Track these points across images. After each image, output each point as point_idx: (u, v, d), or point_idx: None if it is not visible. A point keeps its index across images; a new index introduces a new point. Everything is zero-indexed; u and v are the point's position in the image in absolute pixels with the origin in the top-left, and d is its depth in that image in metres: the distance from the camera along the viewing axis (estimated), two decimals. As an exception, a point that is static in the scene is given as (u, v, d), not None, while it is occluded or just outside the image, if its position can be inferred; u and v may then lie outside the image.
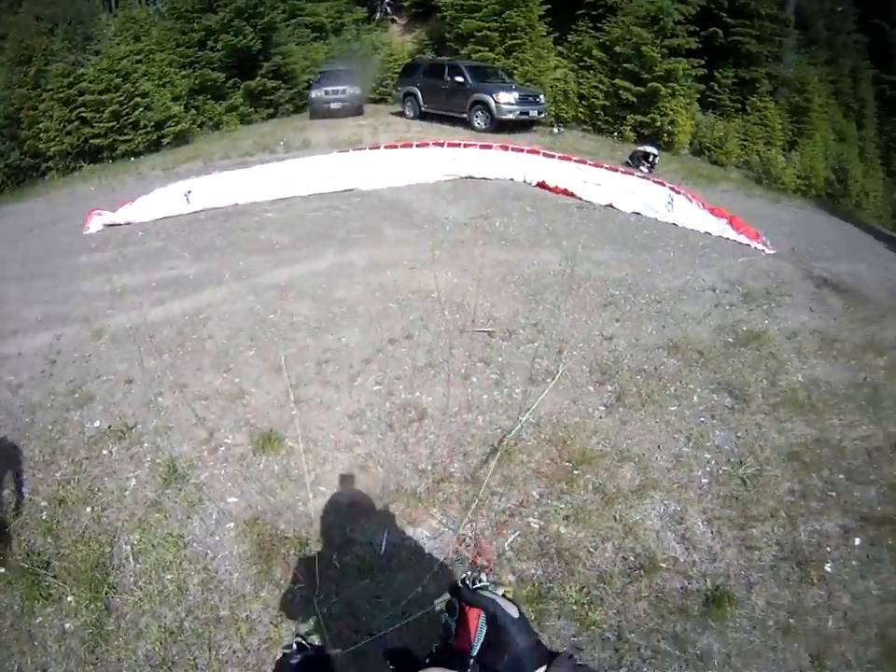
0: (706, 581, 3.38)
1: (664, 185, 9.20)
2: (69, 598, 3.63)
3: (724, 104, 18.20)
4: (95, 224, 9.88)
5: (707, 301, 5.87)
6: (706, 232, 7.91)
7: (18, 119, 18.48)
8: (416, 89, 16.95)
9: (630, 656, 3.05)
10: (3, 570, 3.83)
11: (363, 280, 6.11)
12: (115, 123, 17.67)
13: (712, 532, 3.63)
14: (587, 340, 5.03)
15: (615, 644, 3.09)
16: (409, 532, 3.54)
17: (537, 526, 3.55)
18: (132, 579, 3.65)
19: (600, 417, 4.27)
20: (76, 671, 3.34)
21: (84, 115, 17.71)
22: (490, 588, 1.13)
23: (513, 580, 3.29)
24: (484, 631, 1.09)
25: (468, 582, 1.15)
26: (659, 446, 4.09)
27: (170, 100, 19.06)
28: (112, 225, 9.85)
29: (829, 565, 3.51)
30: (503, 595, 1.10)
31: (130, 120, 17.84)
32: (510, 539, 3.46)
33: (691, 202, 8.61)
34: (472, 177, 9.62)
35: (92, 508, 4.12)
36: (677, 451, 4.08)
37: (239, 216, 9.13)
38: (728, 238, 7.74)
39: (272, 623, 3.27)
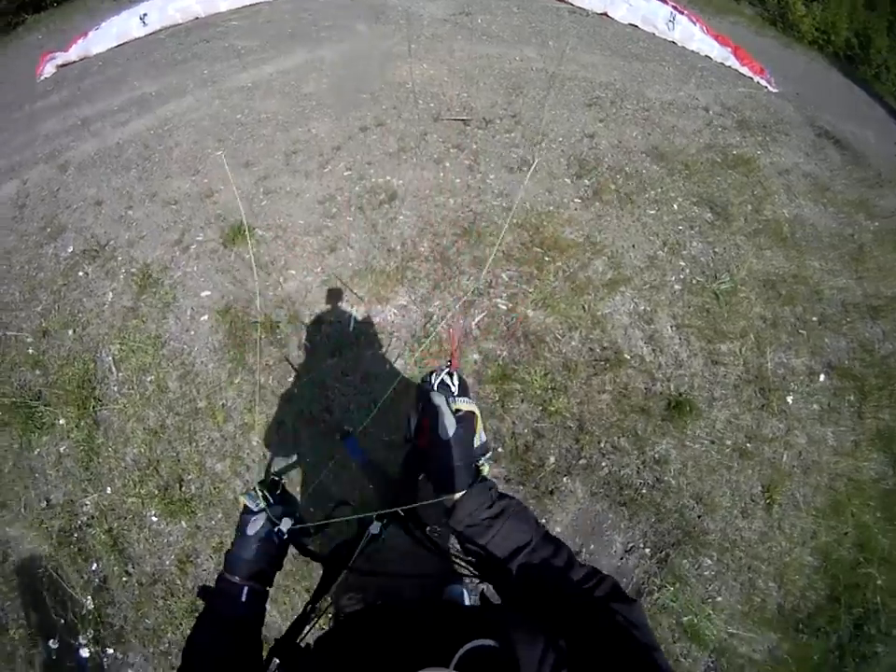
0: (669, 385, 3.44)
1: (666, 2, 8.50)
2: (61, 421, 3.79)
3: None
4: (48, 69, 9.25)
5: (699, 119, 5.58)
6: (706, 56, 7.39)
7: None
8: None
9: (590, 448, 3.16)
10: None
11: (334, 74, 5.83)
12: None
13: (680, 339, 3.65)
14: (567, 136, 4.82)
15: (576, 434, 3.20)
16: (377, 310, 3.56)
17: (504, 308, 3.56)
18: (115, 388, 3.79)
19: (575, 209, 4.17)
20: (74, 491, 3.59)
21: None
22: (451, 398, 1.11)
23: (479, 359, 3.33)
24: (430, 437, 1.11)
25: (431, 381, 1.16)
26: (634, 245, 4.03)
27: None
28: (66, 65, 9.29)
29: (791, 398, 3.56)
30: (455, 412, 1.09)
31: None
32: (477, 319, 3.48)
33: (694, 24, 7.95)
34: None
35: (74, 330, 4.21)
36: (651, 253, 4.02)
37: (200, 28, 8.49)
38: (730, 67, 7.25)
39: (246, 408, 3.40)
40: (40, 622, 3.34)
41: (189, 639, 1.17)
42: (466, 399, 1.14)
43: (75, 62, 9.14)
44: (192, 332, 3.82)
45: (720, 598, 2.90)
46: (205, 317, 3.83)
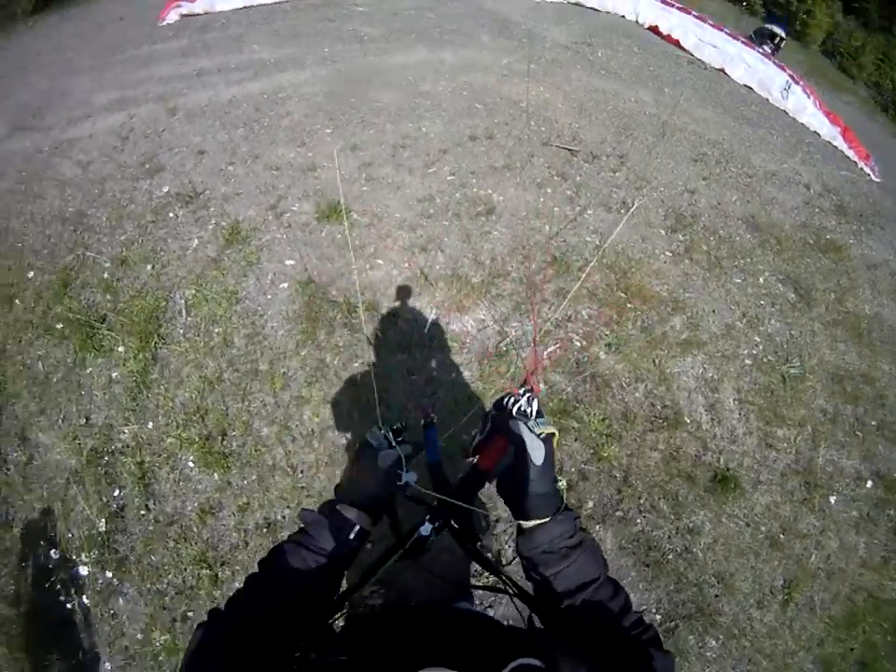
0: (720, 458, 3.41)
1: (784, 70, 8.41)
2: (120, 349, 3.89)
3: (870, 13, 16.09)
4: (172, 15, 9.60)
5: (799, 195, 5.51)
6: (815, 132, 7.28)
7: None
8: None
9: (629, 502, 3.15)
10: (60, 326, 4.11)
11: (452, 78, 5.88)
12: None
13: (740, 414, 3.61)
14: (669, 186, 4.82)
15: (619, 485, 3.19)
16: (455, 318, 3.59)
17: (578, 345, 3.56)
18: (181, 331, 3.88)
19: (664, 262, 4.17)
20: (116, 417, 3.67)
21: None
22: (531, 421, 1.08)
23: (544, 389, 3.34)
24: (507, 462, 1.10)
25: (509, 406, 1.12)
26: (714, 311, 4.01)
27: None
28: (189, 15, 9.62)
29: (833, 499, 3.51)
30: (539, 435, 1.06)
31: None
32: (549, 349, 3.49)
33: (808, 97, 7.85)
34: (581, 5, 8.79)
35: (153, 266, 4.32)
36: (730, 322, 3.99)
37: (326, 7, 8.67)
38: (836, 147, 7.12)
39: (306, 381, 3.44)
40: (47, 528, 3.43)
41: (269, 562, 1.12)
42: (543, 420, 1.12)
43: (198, 14, 9.47)
44: (269, 296, 3.88)
45: (714, 683, 2.88)
46: (285, 285, 3.90)
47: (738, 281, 4.25)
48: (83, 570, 3.29)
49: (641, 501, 3.14)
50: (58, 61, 9.68)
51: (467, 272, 3.79)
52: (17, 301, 4.67)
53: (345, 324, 3.59)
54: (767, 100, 7.58)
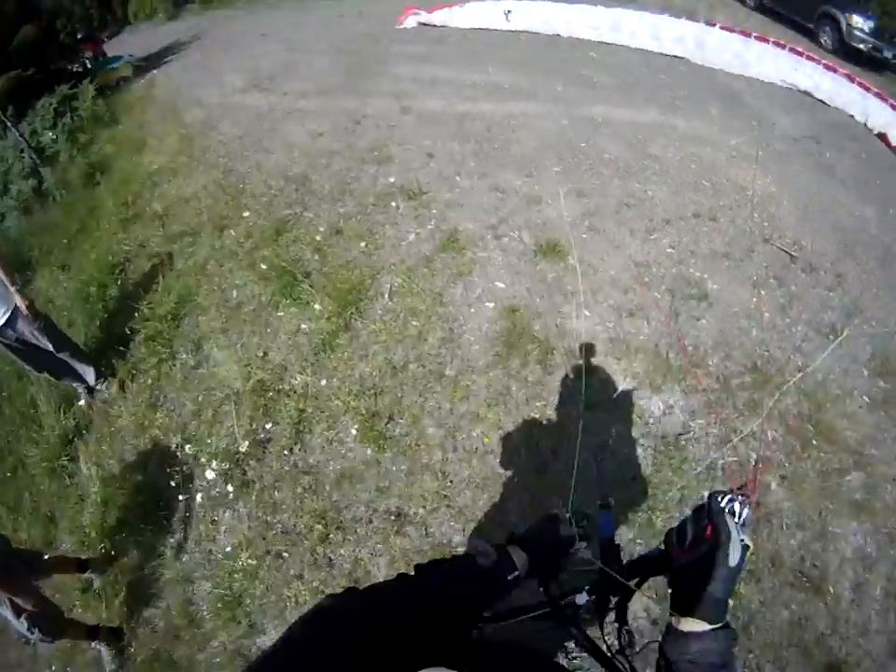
0: (842, 647, 3.00)
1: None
2: (317, 306, 4.17)
3: None
4: (410, 21, 10.32)
5: None
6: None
7: None
8: None
9: (740, 653, 2.89)
10: (264, 267, 4.57)
11: (681, 147, 5.93)
12: None
13: (882, 607, 3.18)
14: (882, 322, 4.47)
15: (739, 629, 2.91)
16: (644, 394, 3.57)
17: (752, 463, 3.29)
18: (379, 312, 4.10)
19: (859, 406, 3.86)
20: (293, 362, 3.92)
21: None
22: (737, 523, 1.06)
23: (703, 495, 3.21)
24: (698, 555, 1.06)
25: (721, 501, 1.10)
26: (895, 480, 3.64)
27: None
28: (426, 25, 10.21)
29: None
30: (741, 539, 1.04)
31: None
32: (724, 459, 3.34)
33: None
34: (811, 95, 8.54)
35: (366, 244, 4.62)
36: None
37: (559, 47, 9.02)
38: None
39: (486, 401, 3.53)
40: (190, 426, 3.80)
41: (451, 570, 1.18)
42: (745, 530, 1.08)
43: (434, 25, 10.04)
44: (473, 310, 4.02)
45: None
46: (491, 304, 4.05)
47: None
48: (209, 475, 3.54)
49: (750, 657, 2.89)
50: (298, 38, 10.62)
51: (666, 350, 3.78)
52: (230, 231, 5.13)
53: (539, 361, 3.68)
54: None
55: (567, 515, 1.31)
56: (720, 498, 1.09)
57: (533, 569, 1.24)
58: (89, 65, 12.40)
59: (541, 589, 1.32)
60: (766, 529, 3.24)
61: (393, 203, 5.01)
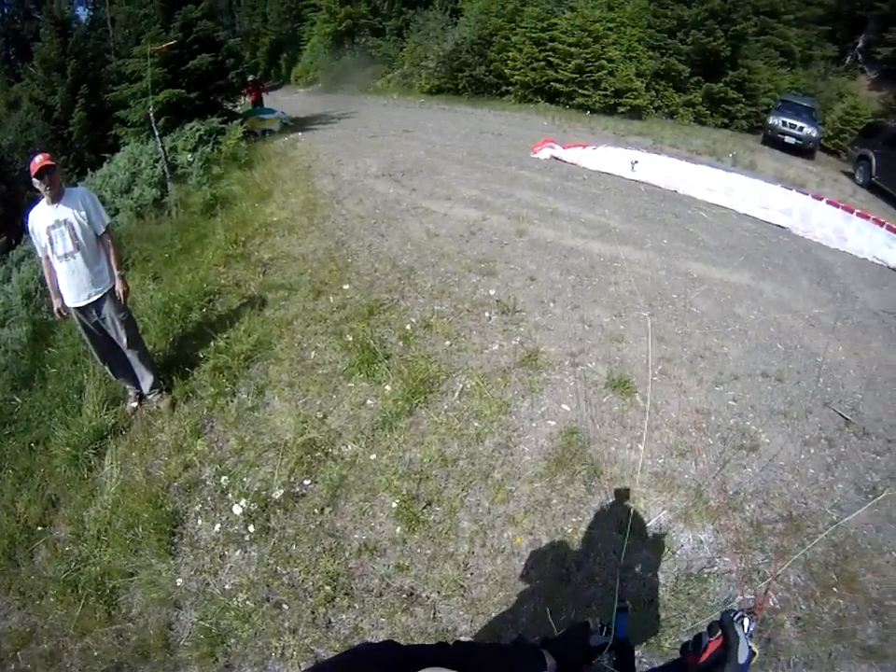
0: None
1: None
2: (387, 387, 4.51)
3: None
4: (544, 153, 11.41)
5: None
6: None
7: (490, 42, 21.90)
8: (872, 154, 15.12)
9: None
10: (349, 338, 4.85)
11: (765, 311, 6.32)
12: (577, 76, 20.01)
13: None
14: None
15: None
16: (678, 526, 3.75)
17: (773, 604, 3.51)
18: (445, 407, 4.36)
19: (888, 562, 3.94)
20: (348, 430, 4.13)
21: (551, 59, 20.38)
22: (745, 633, 1.21)
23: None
24: (711, 661, 1.21)
25: (733, 616, 1.24)
26: None
27: (633, 74, 20.62)
28: (558, 159, 11.23)
29: None
30: (749, 646, 1.19)
31: (592, 78, 19.96)
32: (742, 597, 3.45)
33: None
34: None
35: (451, 343, 5.01)
36: None
37: (675, 202, 9.62)
38: None
39: (525, 508, 3.68)
40: (228, 461, 3.97)
41: (488, 652, 1.37)
42: (752, 640, 1.23)
43: (565, 162, 11.01)
44: (534, 424, 4.27)
45: None
46: (553, 423, 4.31)
47: None
48: (236, 510, 3.68)
49: None
50: (438, 142, 11.72)
51: (708, 493, 3.97)
52: (326, 297, 5.54)
53: (585, 482, 3.89)
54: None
55: (599, 625, 1.47)
56: (731, 615, 1.25)
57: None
58: (241, 109, 13.89)
59: None
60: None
61: (486, 314, 5.42)
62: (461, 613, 3.19)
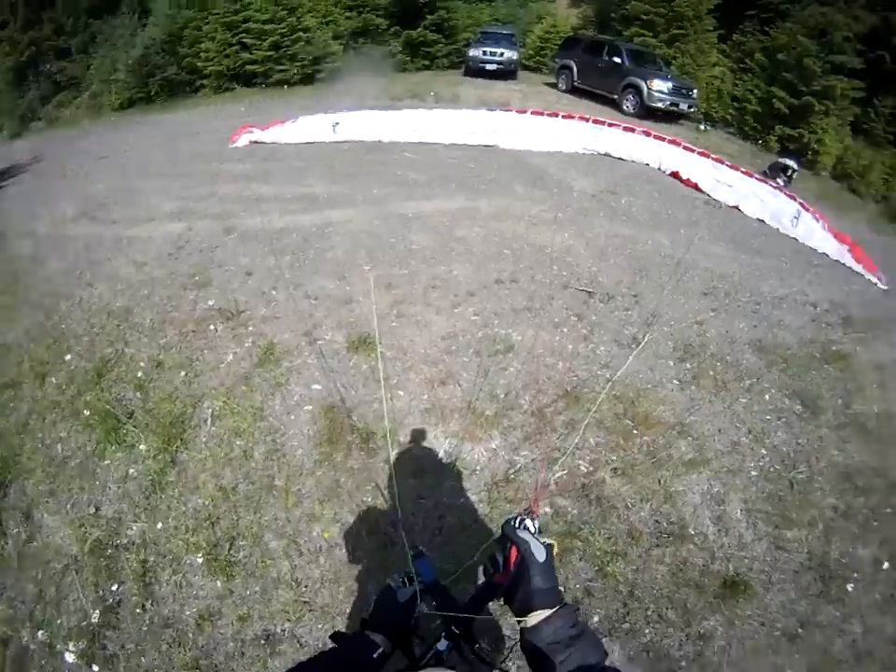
0: (728, 565, 3.44)
1: (794, 199, 8.97)
2: (142, 447, 4.05)
3: (877, 132, 16.56)
4: (243, 139, 10.74)
5: (806, 314, 5.76)
6: (823, 253, 7.65)
7: (181, 38, 19.91)
8: (573, 63, 16.76)
9: (636, 614, 3.19)
10: (87, 413, 4.34)
11: (485, 225, 6.41)
12: (273, 53, 18.77)
13: (747, 522, 3.67)
14: (679, 320, 5.11)
15: (625, 599, 3.23)
16: (468, 448, 3.79)
17: (585, 469, 3.73)
18: (204, 439, 4.06)
19: (672, 390, 4.38)
20: (126, 512, 3.75)
21: (245, 41, 18.88)
22: (532, 532, 1.30)
23: (549, 512, 3.48)
24: (515, 572, 1.25)
25: (514, 523, 1.33)
26: (720, 430, 4.16)
27: (331, 38, 19.97)
28: (258, 143, 10.63)
29: (851, 586, 3.50)
30: (542, 542, 1.26)
31: (289, 52, 18.84)
32: (556, 475, 3.65)
33: (817, 221, 8.37)
34: (610, 155, 9.65)
35: (186, 373, 4.58)
36: (736, 439, 4.12)
37: (380, 151, 9.61)
38: (844, 264, 7.48)
39: (318, 500, 3.60)
40: (36, 611, 3.43)
41: (309, 667, 1.29)
42: (543, 535, 1.32)
43: (266, 143, 10.41)
44: (293, 417, 4.09)
45: None
46: (309, 407, 4.11)
47: (744, 401, 4.43)
48: (69, 658, 3.24)
49: (648, 613, 3.17)
50: (133, 161, 10.82)
51: (482, 404, 4.04)
52: (50, 379, 4.85)
53: (362, 448, 3.80)
54: (778, 229, 8.02)
55: (401, 579, 1.49)
56: (512, 523, 1.33)
57: (395, 641, 1.39)
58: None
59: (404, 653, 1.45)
60: (613, 514, 3.53)
61: (211, 327, 5.02)
62: (320, 626, 3.11)
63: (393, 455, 3.74)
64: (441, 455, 3.75)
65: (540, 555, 1.23)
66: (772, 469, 3.99)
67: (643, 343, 4.66)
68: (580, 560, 3.33)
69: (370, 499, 3.55)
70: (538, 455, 3.76)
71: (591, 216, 6.84)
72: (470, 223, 6.48)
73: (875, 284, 7.12)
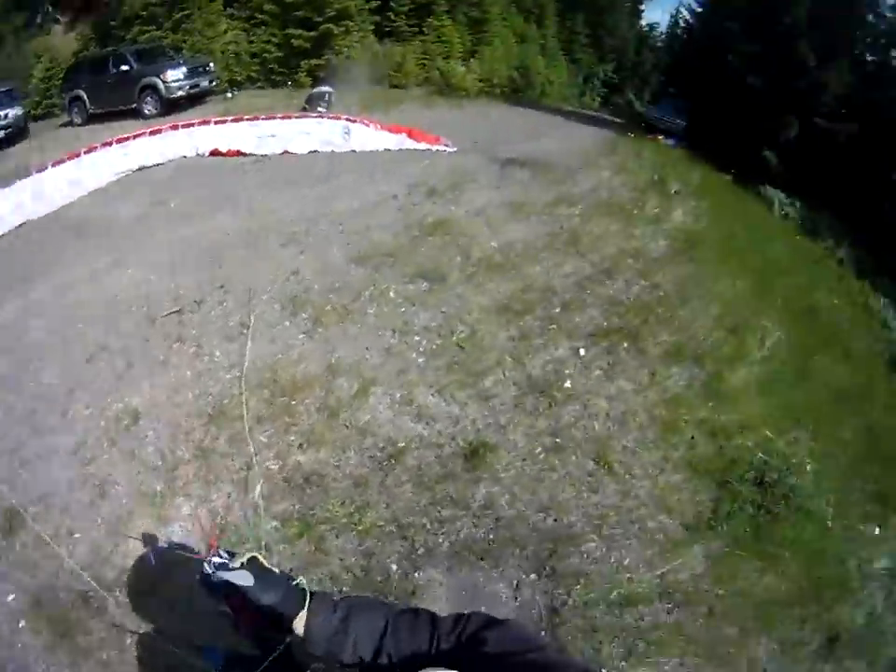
0: (457, 442, 3.67)
1: (339, 118, 9.54)
2: None
3: (401, 29, 17.99)
4: None
5: (391, 208, 6.14)
6: (385, 150, 8.27)
7: None
8: (81, 91, 14.93)
9: (420, 535, 3.26)
10: None
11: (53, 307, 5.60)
12: None
13: (445, 400, 3.91)
14: (273, 281, 5.06)
15: (400, 533, 3.27)
16: (164, 533, 3.34)
17: (276, 467, 3.61)
18: None
19: (302, 345, 4.40)
20: None
21: None
22: (230, 564, 1.17)
23: (277, 524, 3.30)
24: (250, 607, 1.17)
25: (208, 570, 1.18)
26: (367, 347, 4.30)
27: None
28: None
29: (569, 382, 3.99)
30: (241, 565, 1.16)
31: None
32: (257, 491, 3.40)
33: (367, 126, 9.04)
34: (145, 166, 9.18)
35: None
36: (386, 345, 4.31)
37: None
38: (409, 149, 8.24)
39: None
40: None
41: None
42: (237, 554, 1.21)
43: None
44: (20, 645, 3.13)
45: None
46: (22, 623, 3.21)
47: (372, 311, 4.67)
48: None
49: (427, 526, 3.32)
50: None
51: (150, 486, 3.60)
52: None
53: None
54: (333, 150, 8.49)
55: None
56: (206, 572, 1.18)
57: None
58: None
59: None
60: (328, 480, 3.53)
61: None
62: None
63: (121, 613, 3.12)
64: (153, 560, 3.05)
65: (248, 580, 1.14)
66: (434, 347, 4.27)
67: (251, 326, 4.54)
68: (337, 538, 3.25)
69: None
70: (212, 493, 3.52)
71: (145, 236, 6.49)
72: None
73: (444, 152, 8.02)
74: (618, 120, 15.01)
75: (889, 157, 11.54)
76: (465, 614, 1.13)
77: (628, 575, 3.35)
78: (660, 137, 12.18)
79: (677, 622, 3.33)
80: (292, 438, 3.74)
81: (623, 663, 3.09)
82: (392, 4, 18.01)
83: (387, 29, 18.29)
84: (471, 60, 17.20)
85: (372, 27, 17.86)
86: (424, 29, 17.92)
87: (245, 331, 4.53)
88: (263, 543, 3.08)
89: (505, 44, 18.23)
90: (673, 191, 6.99)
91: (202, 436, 3.85)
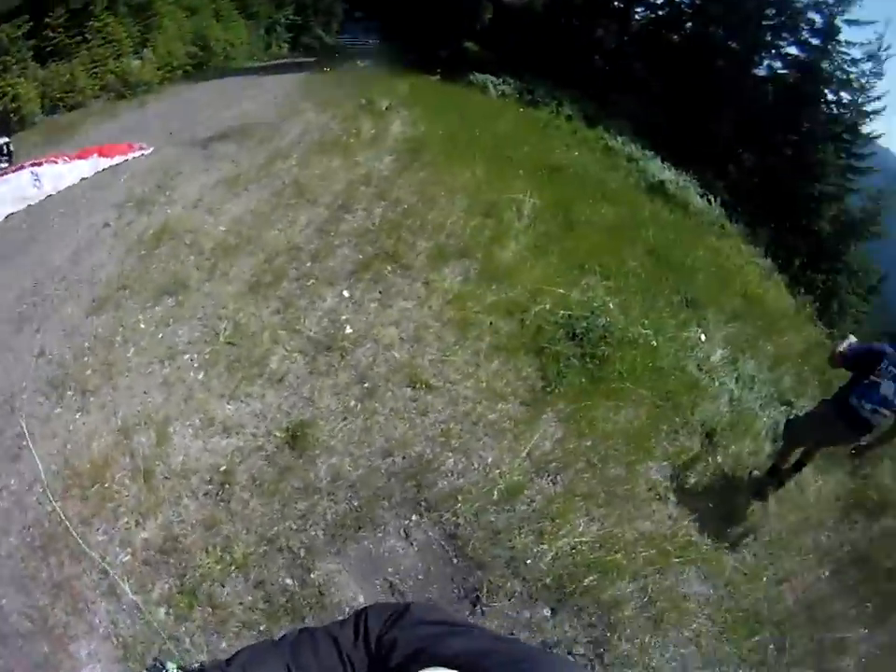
0: (274, 435, 3.57)
1: (23, 167, 8.45)
2: None
3: (63, 44, 15.83)
4: None
5: (107, 237, 5.66)
6: (82, 179, 7.55)
7: None
8: None
9: (292, 540, 3.19)
10: None
11: None
12: None
13: (241, 401, 3.79)
14: (24, 376, 4.32)
15: (273, 548, 3.16)
16: None
17: (129, 558, 3.21)
18: None
19: (83, 424, 3.90)
20: None
21: None
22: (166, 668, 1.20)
23: (164, 609, 2.96)
24: None
25: None
26: (144, 391, 3.99)
27: None
28: None
29: (349, 328, 4.04)
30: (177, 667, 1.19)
31: None
32: (127, 591, 3.02)
33: (57, 163, 8.12)
34: None
35: None
36: (160, 380, 4.07)
37: None
38: (106, 168, 7.59)
39: None
40: None
41: None
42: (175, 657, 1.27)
43: None
44: None
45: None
46: None
47: (132, 353, 4.34)
48: None
49: (287, 543, 3.23)
50: None
51: None
52: None
53: None
54: (29, 204, 7.51)
55: None
56: None
57: None
58: None
59: None
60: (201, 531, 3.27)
61: None
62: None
63: None
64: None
65: None
66: (207, 355, 4.09)
67: (25, 430, 3.86)
68: (223, 587, 3.04)
69: None
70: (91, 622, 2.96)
71: None
72: None
73: (142, 156, 7.49)
74: (311, 60, 14.78)
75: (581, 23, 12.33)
76: (360, 611, 1.10)
77: (498, 470, 3.50)
78: (358, 62, 12.16)
79: (565, 488, 3.57)
80: (125, 520, 3.36)
81: (543, 546, 3.24)
82: (47, 20, 15.86)
83: (48, 49, 16.13)
84: (145, 50, 15.88)
85: (31, 53, 15.69)
86: (87, 35, 15.85)
87: (24, 443, 3.88)
88: (165, 636, 2.75)
89: (176, 21, 16.99)
90: (384, 108, 7.04)
91: (45, 575, 3.23)
